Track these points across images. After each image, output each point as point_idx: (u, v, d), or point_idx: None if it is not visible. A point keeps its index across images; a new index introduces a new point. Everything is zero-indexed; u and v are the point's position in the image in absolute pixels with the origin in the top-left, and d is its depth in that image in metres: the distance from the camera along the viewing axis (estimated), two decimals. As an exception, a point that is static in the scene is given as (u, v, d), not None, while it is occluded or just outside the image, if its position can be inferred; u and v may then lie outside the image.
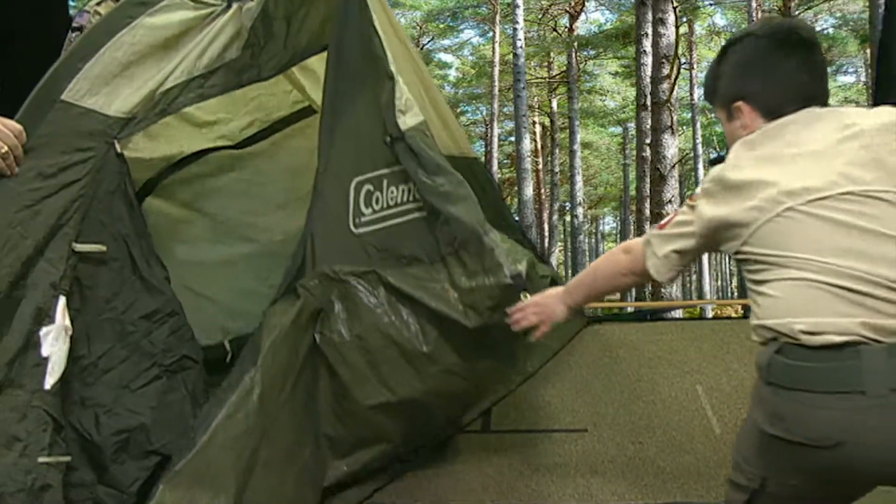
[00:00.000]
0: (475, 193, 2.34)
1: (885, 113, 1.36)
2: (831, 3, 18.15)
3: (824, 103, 1.46)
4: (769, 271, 1.34)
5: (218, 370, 3.19)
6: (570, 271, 25.12)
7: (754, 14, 16.01)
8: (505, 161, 25.26)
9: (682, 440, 2.72)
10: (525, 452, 2.71)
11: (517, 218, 13.24)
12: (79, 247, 2.09)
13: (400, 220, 2.38)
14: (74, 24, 2.86)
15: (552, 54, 22.04)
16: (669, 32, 9.03)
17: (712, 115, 28.20)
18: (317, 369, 2.29)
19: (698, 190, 1.50)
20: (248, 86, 3.07)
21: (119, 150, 2.22)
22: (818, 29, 20.37)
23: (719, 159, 1.47)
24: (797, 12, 15.16)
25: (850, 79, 26.48)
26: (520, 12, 15.14)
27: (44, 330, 1.95)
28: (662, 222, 1.60)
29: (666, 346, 3.45)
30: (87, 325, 2.12)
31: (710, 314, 17.68)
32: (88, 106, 2.16)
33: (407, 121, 2.32)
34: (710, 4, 19.37)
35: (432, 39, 25.62)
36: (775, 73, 1.44)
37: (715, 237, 1.46)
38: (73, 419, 2.05)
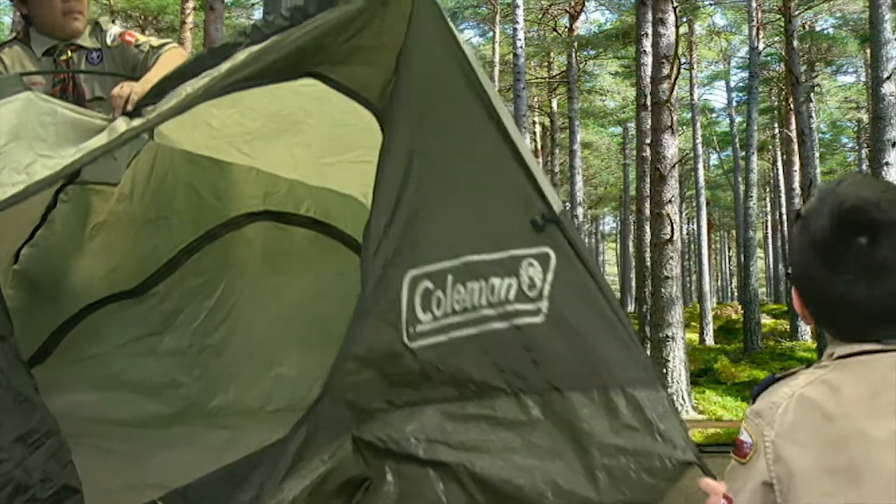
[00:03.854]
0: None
1: None
2: (831, 3, 18.14)
3: None
4: None
5: None
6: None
7: (754, 14, 16.00)
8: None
9: None
10: None
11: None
12: None
13: (471, 330, 1.84)
14: None
15: (552, 54, 22.04)
16: (669, 32, 9.03)
17: (712, 114, 28.26)
18: None
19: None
20: (141, 229, 2.70)
21: None
22: (818, 29, 20.38)
23: (771, 381, 1.13)
24: (797, 12, 15.16)
25: (850, 79, 26.52)
26: (520, 12, 15.14)
27: None
28: None
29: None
30: None
31: (709, 313, 17.70)
32: None
33: (554, 204, 1.91)
34: (710, 4, 19.37)
35: (432, 39, 25.59)
36: (821, 277, 1.10)
37: None
38: None
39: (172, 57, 2.50)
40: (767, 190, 30.83)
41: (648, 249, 9.97)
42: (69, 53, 2.58)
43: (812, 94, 16.67)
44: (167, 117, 1.92)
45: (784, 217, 21.90)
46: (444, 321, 1.85)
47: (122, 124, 1.89)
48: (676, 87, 9.21)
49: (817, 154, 15.64)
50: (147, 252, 2.84)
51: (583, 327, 1.84)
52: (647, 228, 10.28)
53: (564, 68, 20.39)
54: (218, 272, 2.96)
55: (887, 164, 8.47)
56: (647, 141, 10.03)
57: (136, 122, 1.89)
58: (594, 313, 1.85)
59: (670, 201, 8.83)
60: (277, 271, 3.02)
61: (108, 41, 2.62)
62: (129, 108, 2.03)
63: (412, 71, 1.92)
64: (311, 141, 2.61)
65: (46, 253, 2.65)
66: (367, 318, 1.84)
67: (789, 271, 1.19)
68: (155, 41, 2.62)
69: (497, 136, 1.93)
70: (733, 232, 34.20)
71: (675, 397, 8.53)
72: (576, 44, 19.26)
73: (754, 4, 16.13)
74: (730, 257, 40.43)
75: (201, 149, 2.73)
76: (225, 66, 1.88)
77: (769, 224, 31.39)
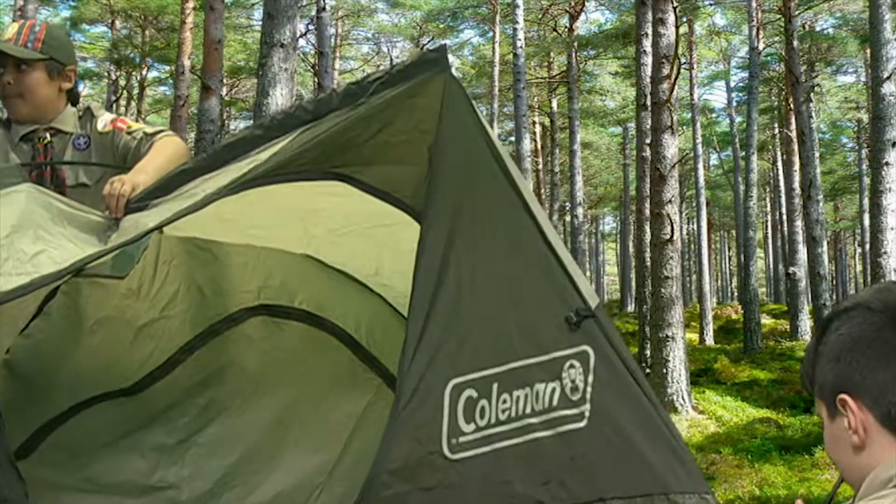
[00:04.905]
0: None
1: None
2: (831, 3, 18.15)
3: None
4: None
5: None
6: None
7: (754, 14, 16.01)
8: (505, 161, 25.29)
9: None
10: None
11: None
12: None
13: (515, 440, 1.76)
14: None
15: (552, 54, 22.05)
16: (669, 32, 9.02)
17: (712, 114, 28.26)
18: None
19: None
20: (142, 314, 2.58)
21: None
22: (818, 29, 20.39)
23: None
24: (797, 12, 15.16)
25: (850, 79, 26.54)
26: (520, 12, 15.15)
27: None
28: None
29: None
30: None
31: (709, 313, 17.70)
32: None
33: (590, 298, 1.84)
34: (710, 4, 19.38)
35: (432, 39, 25.61)
36: (894, 361, 1.04)
37: None
38: None
39: (166, 145, 2.42)
40: (767, 190, 30.84)
41: (648, 249, 9.97)
42: (48, 138, 2.48)
43: (812, 94, 16.68)
44: (182, 216, 1.81)
45: (784, 217, 21.91)
46: (488, 431, 1.75)
47: (131, 222, 1.83)
48: (676, 87, 9.21)
49: (817, 154, 15.64)
50: (148, 352, 2.68)
51: (624, 429, 1.79)
52: (647, 228, 10.27)
53: (564, 68, 20.40)
54: (216, 370, 2.80)
55: (887, 164, 8.47)
56: (647, 141, 10.03)
57: (151, 222, 1.82)
58: (635, 413, 1.81)
59: (670, 201, 8.82)
60: (273, 369, 2.87)
61: (100, 127, 2.51)
62: (124, 202, 1.98)
63: (445, 166, 1.82)
64: (328, 216, 2.54)
65: (40, 345, 2.50)
66: (403, 430, 1.72)
67: (815, 376, 1.11)
68: (149, 128, 2.53)
69: (533, 230, 1.86)
70: (733, 232, 34.21)
71: (674, 397, 8.52)
72: (576, 44, 19.27)
73: (754, 4, 16.13)
74: (730, 257, 40.44)
75: (206, 231, 2.61)
76: (245, 166, 1.79)
77: (769, 224, 31.40)
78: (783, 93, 19.35)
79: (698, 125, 20.42)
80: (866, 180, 19.99)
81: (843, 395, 1.05)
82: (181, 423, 2.74)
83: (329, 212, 2.48)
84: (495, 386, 1.75)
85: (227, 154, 1.86)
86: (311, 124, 1.82)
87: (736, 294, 32.05)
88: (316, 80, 15.98)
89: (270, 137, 1.84)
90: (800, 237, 15.14)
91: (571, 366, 1.79)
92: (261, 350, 2.85)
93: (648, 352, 9.86)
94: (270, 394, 2.85)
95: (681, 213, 20.18)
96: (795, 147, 15.82)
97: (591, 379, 1.78)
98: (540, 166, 24.45)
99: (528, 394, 1.76)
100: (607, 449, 1.77)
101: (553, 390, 1.77)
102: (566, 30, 20.19)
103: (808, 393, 1.15)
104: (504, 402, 1.75)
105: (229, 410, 2.80)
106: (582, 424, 1.77)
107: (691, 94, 20.20)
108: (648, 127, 9.95)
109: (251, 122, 13.05)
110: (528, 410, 1.76)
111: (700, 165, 19.94)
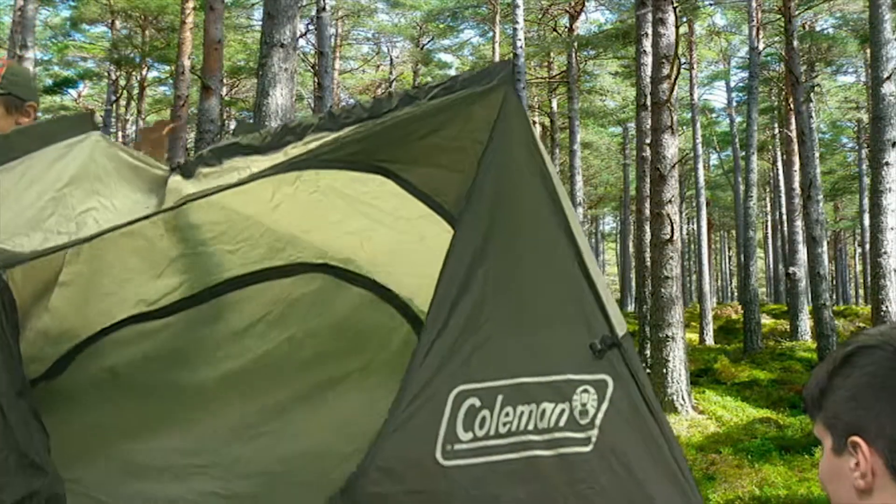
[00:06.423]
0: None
1: None
2: (831, 3, 18.15)
3: None
4: None
5: None
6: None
7: (754, 14, 16.01)
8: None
9: None
10: None
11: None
12: None
13: (512, 456, 1.73)
14: None
15: (552, 54, 22.04)
16: (669, 32, 9.03)
17: (713, 114, 28.26)
18: None
19: None
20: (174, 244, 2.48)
21: None
22: (818, 29, 20.39)
23: None
24: (797, 12, 15.16)
25: (850, 79, 26.54)
26: (520, 12, 15.15)
27: None
28: None
29: None
30: None
31: (709, 313, 17.71)
32: None
33: (618, 327, 1.83)
34: (710, 4, 19.38)
35: (432, 39, 25.62)
36: None
37: None
38: None
39: None
40: (767, 190, 30.84)
41: (648, 249, 9.97)
42: None
43: (812, 94, 16.68)
44: (223, 190, 1.84)
45: (784, 217, 21.90)
46: (485, 443, 1.73)
47: (179, 186, 1.84)
48: (676, 87, 9.21)
49: (817, 154, 15.64)
50: (180, 281, 2.54)
51: (632, 461, 1.77)
52: (647, 228, 10.28)
53: (564, 68, 20.39)
54: (259, 314, 2.67)
55: (887, 164, 8.47)
56: (647, 141, 10.03)
57: (193, 187, 1.83)
58: (646, 446, 1.79)
59: (670, 201, 8.83)
60: (321, 329, 2.74)
61: None
62: None
63: (489, 175, 1.81)
64: (380, 241, 2.51)
65: (70, 287, 2.40)
66: (402, 428, 1.70)
67: (824, 406, 1.08)
68: None
69: (569, 251, 1.84)
70: (733, 232, 34.21)
71: (674, 397, 8.52)
72: (576, 44, 19.26)
73: (754, 4, 16.13)
74: (730, 257, 40.44)
75: (259, 216, 2.54)
76: (293, 149, 1.81)
77: (769, 224, 31.40)
78: (783, 93, 19.35)
79: (698, 125, 20.42)
80: (866, 180, 20.00)
81: (857, 438, 1.02)
82: (222, 367, 2.62)
83: (377, 242, 2.50)
84: (500, 398, 1.74)
85: (281, 137, 1.85)
86: (365, 122, 1.83)
87: (736, 294, 32.06)
88: (316, 80, 15.98)
89: (325, 128, 1.84)
90: (800, 237, 15.15)
91: (585, 390, 1.78)
92: (312, 305, 2.72)
93: (648, 352, 9.85)
94: (317, 353, 2.74)
95: (681, 213, 20.18)
96: (795, 147, 15.82)
97: (605, 407, 1.76)
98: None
99: (534, 410, 1.74)
100: (610, 478, 1.75)
101: (562, 411, 1.75)
102: (566, 30, 20.19)
103: (808, 415, 1.15)
104: (507, 415, 1.73)
105: (269, 361, 2.67)
106: (587, 449, 1.75)
107: (691, 94, 20.20)
108: (648, 127, 9.95)
109: (251, 122, 13.05)
110: (531, 427, 1.74)
111: (700, 165, 19.94)
